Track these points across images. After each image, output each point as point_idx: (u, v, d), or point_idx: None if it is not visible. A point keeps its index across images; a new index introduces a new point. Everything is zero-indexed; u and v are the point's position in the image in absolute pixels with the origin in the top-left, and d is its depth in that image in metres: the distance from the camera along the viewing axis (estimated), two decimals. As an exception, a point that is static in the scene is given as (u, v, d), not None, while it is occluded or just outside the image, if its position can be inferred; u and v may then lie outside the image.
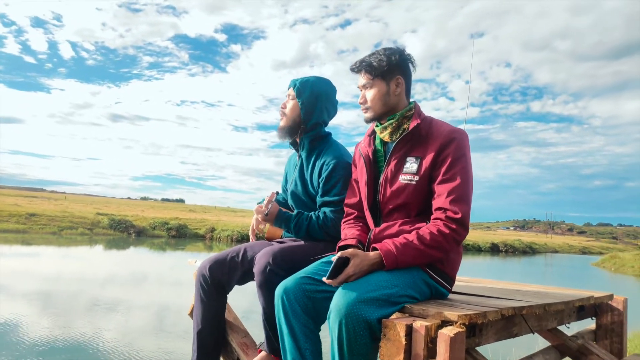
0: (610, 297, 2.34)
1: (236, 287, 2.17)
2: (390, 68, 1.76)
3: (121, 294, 9.14)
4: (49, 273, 11.53)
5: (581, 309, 2.26)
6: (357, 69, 1.83)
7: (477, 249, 38.85)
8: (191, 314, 2.25)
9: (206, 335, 2.10)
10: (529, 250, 46.29)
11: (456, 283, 2.38)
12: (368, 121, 1.84)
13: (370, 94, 1.79)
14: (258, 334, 2.14)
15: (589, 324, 2.51)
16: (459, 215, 1.60)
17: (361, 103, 1.83)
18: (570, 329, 2.33)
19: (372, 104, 1.79)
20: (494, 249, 41.37)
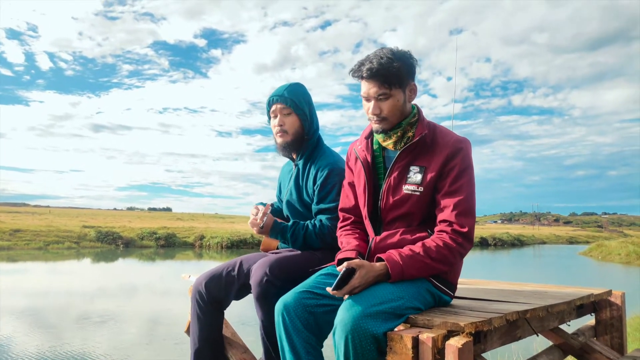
0: (609, 293, 2.34)
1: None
2: (408, 74, 1.64)
3: (112, 307, 9.02)
4: (37, 289, 11.33)
5: (580, 307, 2.25)
6: (368, 76, 1.62)
7: (466, 244, 38.95)
8: (187, 331, 2.20)
9: (204, 354, 2.04)
10: (518, 243, 46.73)
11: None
12: (381, 132, 1.69)
13: (387, 104, 1.63)
14: (255, 346, 2.09)
15: (588, 319, 2.51)
16: (465, 229, 1.58)
17: (375, 114, 1.65)
18: (570, 326, 2.33)
19: (389, 114, 1.64)
20: (483, 243, 41.66)
